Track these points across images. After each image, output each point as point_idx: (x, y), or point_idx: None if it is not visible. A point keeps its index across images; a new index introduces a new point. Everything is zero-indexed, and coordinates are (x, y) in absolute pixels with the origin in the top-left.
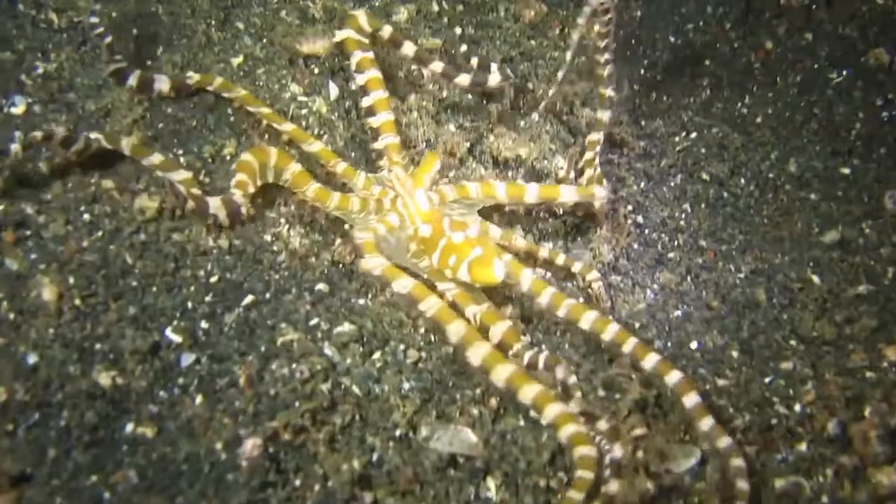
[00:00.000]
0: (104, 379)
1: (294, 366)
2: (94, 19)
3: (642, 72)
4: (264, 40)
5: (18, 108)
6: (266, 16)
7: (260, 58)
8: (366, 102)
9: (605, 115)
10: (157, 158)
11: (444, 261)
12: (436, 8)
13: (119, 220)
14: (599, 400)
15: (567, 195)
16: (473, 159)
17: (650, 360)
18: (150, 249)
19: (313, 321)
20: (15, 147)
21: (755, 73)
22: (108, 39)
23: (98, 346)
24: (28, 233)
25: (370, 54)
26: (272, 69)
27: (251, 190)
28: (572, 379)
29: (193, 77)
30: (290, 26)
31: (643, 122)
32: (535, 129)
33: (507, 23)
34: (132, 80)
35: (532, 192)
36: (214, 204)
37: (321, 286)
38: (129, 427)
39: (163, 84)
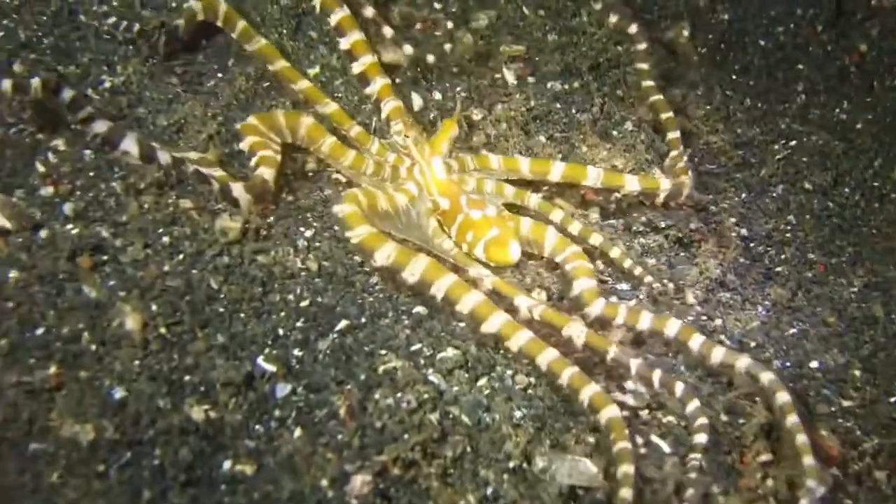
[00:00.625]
0: (197, 413)
1: (399, 395)
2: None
3: (733, 77)
4: (338, 51)
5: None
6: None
7: (337, 68)
8: (357, 69)
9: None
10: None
11: (462, 235)
12: (516, 13)
13: (200, 242)
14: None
15: (631, 184)
16: None
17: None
18: (235, 273)
19: (415, 346)
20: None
21: (851, 77)
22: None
23: (188, 377)
24: (105, 258)
25: (347, 11)
26: (351, 79)
27: (271, 153)
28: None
29: None
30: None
31: (739, 130)
32: (629, 139)
33: (591, 28)
34: None
35: (592, 176)
36: (237, 189)
37: (419, 308)
38: (227, 464)
39: None
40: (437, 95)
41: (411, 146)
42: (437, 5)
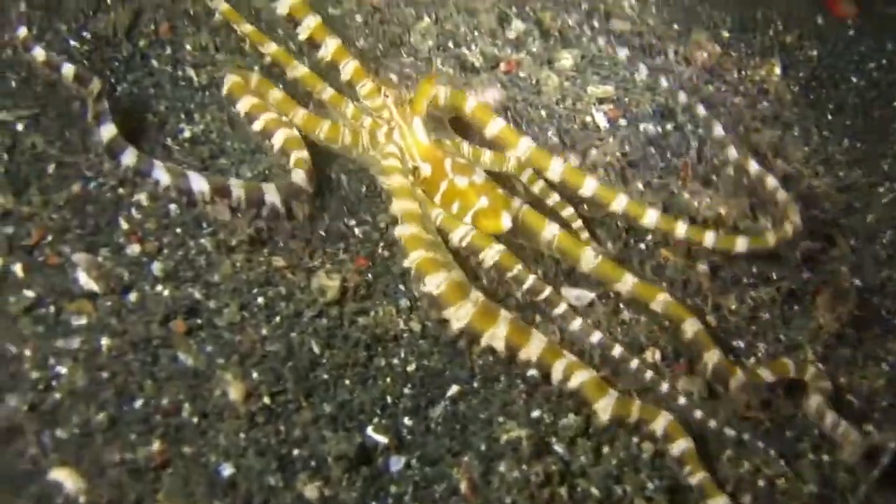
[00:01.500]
0: (310, 491)
1: (525, 467)
2: None
3: (829, 116)
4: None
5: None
6: (419, 66)
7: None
8: (302, 35)
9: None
10: None
11: (447, 205)
12: (601, 52)
13: (297, 302)
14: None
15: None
16: None
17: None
18: (337, 336)
19: (535, 413)
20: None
21: None
22: None
23: (297, 451)
24: (199, 321)
25: None
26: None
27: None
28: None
29: None
30: (452, 77)
31: (840, 173)
32: (731, 185)
33: (679, 66)
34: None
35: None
36: (269, 189)
37: (533, 371)
38: None
39: None
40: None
41: (391, 107)
42: (519, 45)
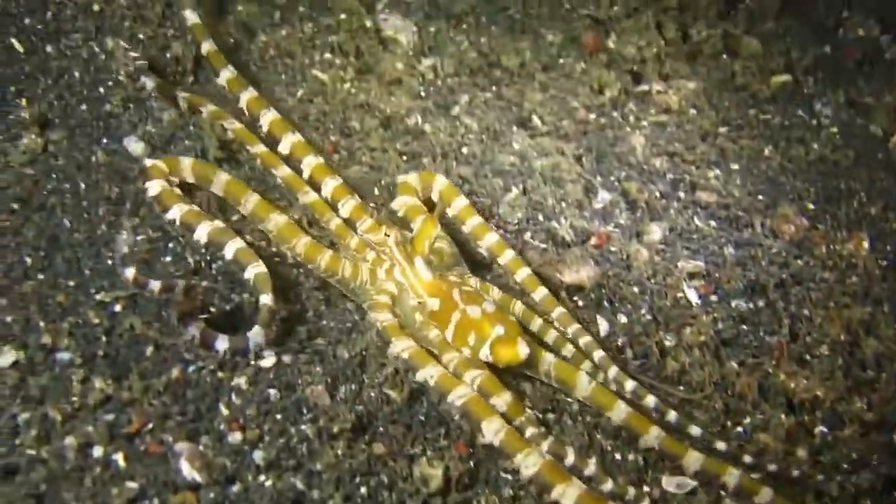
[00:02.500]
0: None
1: None
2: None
3: None
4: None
5: (268, 361)
6: (508, 239)
7: (516, 289)
8: (305, 173)
9: None
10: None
11: (462, 338)
12: (689, 225)
13: (400, 492)
14: None
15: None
16: (766, 402)
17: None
18: None
19: None
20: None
21: None
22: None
23: None
24: None
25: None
26: (531, 301)
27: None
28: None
29: None
30: (544, 252)
31: None
32: (826, 364)
33: (766, 240)
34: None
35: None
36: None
37: None
38: None
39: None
40: (623, 318)
41: (393, 246)
42: (607, 216)
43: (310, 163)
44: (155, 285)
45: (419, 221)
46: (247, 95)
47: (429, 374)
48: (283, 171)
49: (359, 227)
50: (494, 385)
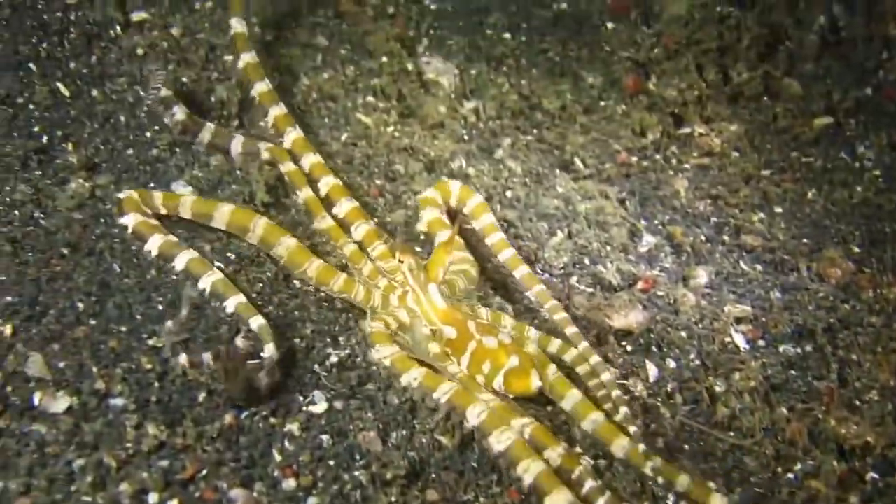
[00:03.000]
0: None
1: None
2: None
3: None
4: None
5: (319, 406)
6: (554, 283)
7: (566, 334)
8: (323, 190)
9: None
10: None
11: (477, 366)
12: (735, 269)
13: None
14: None
15: None
16: (816, 448)
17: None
18: None
19: None
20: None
21: None
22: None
23: None
24: None
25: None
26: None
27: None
28: None
29: None
30: (592, 297)
31: None
32: (876, 410)
33: (812, 284)
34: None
35: None
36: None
37: None
38: None
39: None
40: (672, 363)
41: (406, 273)
42: (652, 260)
43: (346, 207)
44: (207, 357)
45: (435, 246)
46: (293, 135)
47: (476, 412)
48: (304, 193)
49: (371, 253)
50: (546, 436)
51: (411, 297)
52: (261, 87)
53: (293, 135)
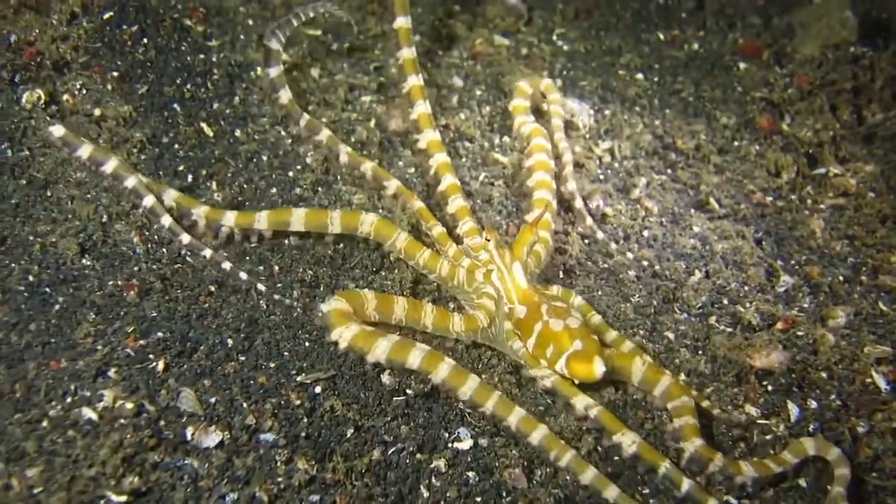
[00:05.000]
0: None
1: None
2: None
3: None
4: (704, 353)
5: (465, 443)
6: (693, 323)
7: (706, 373)
8: (430, 170)
9: None
10: None
11: (541, 349)
12: (874, 309)
13: None
14: None
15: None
16: None
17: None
18: None
19: None
20: None
21: None
22: None
23: None
24: None
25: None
26: (720, 386)
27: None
28: None
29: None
30: (732, 337)
31: None
32: None
33: None
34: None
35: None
36: None
37: None
38: None
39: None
40: (813, 404)
41: (493, 250)
42: (790, 300)
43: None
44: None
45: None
46: (430, 136)
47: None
48: (392, 184)
49: (460, 228)
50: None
51: (496, 274)
52: (413, 81)
53: (430, 136)
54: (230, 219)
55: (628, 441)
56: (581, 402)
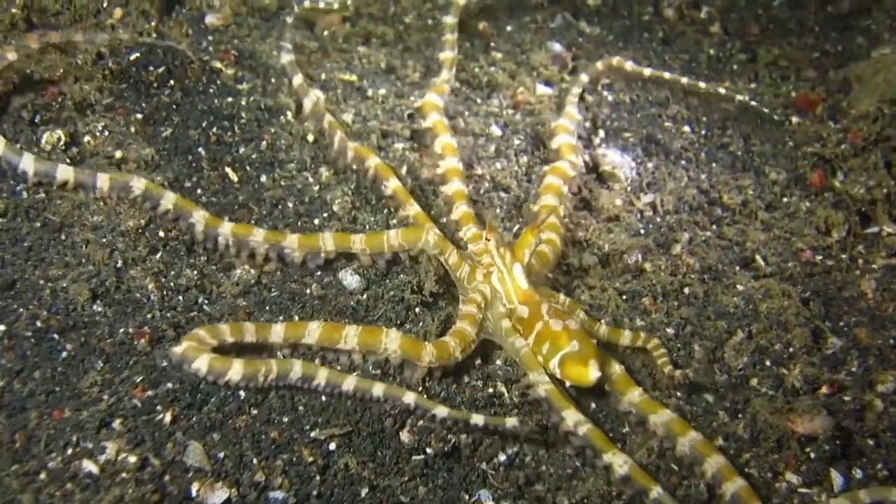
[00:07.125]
0: None
1: None
2: None
3: None
4: (743, 416)
5: None
6: (733, 383)
7: (744, 438)
8: (440, 170)
9: None
10: None
11: (538, 345)
12: None
13: None
14: None
15: None
16: None
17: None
18: None
19: None
20: None
21: None
22: None
23: None
24: None
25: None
26: (759, 452)
27: None
28: None
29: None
30: (774, 400)
31: None
32: None
33: None
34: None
35: None
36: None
37: None
38: None
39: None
40: (858, 473)
41: (493, 251)
42: (837, 364)
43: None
44: None
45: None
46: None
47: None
48: (393, 184)
49: (463, 233)
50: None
51: (496, 275)
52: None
53: (445, 140)
54: (227, 228)
55: (619, 462)
56: (572, 417)
